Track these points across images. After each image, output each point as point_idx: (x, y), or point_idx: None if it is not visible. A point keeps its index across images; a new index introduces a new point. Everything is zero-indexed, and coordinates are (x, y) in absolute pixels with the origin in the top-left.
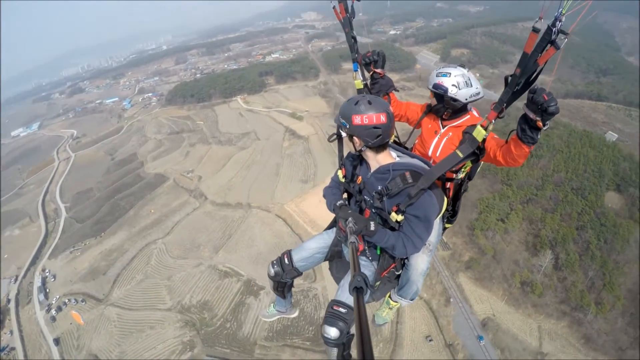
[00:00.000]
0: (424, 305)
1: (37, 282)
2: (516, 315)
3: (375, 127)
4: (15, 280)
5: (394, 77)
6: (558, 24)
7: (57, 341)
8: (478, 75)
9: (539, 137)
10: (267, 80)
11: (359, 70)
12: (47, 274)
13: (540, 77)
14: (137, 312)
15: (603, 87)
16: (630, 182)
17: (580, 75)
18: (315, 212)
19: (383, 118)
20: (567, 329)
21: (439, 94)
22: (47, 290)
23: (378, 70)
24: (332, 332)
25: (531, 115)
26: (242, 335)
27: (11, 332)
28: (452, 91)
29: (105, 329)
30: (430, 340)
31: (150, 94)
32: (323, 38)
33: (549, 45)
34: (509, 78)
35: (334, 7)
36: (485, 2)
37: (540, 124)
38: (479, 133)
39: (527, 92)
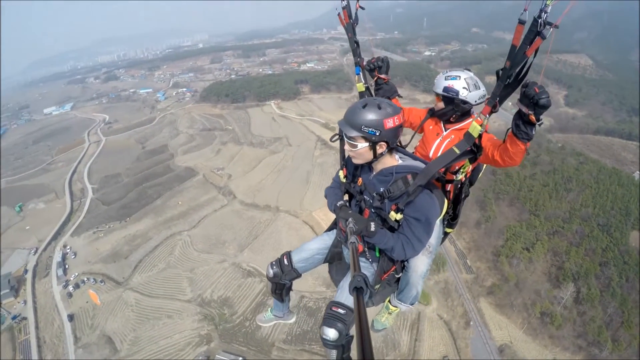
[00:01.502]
0: (444, 326)
1: (57, 257)
2: (533, 345)
3: (400, 126)
4: (35, 252)
5: (426, 98)
6: (544, 15)
7: (71, 317)
8: (510, 104)
9: (534, 132)
10: (301, 89)
11: (361, 73)
12: (68, 250)
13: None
14: (156, 300)
15: (635, 127)
16: None
17: (612, 113)
18: None
19: (403, 115)
20: None
21: (450, 97)
22: (67, 266)
23: (382, 76)
24: (331, 333)
25: (524, 109)
26: (260, 336)
27: (25, 302)
28: (463, 94)
29: (122, 312)
30: None
31: (184, 89)
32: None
33: (536, 36)
34: (500, 72)
35: (338, 14)
36: None
37: (533, 118)
38: (474, 129)
39: (519, 86)
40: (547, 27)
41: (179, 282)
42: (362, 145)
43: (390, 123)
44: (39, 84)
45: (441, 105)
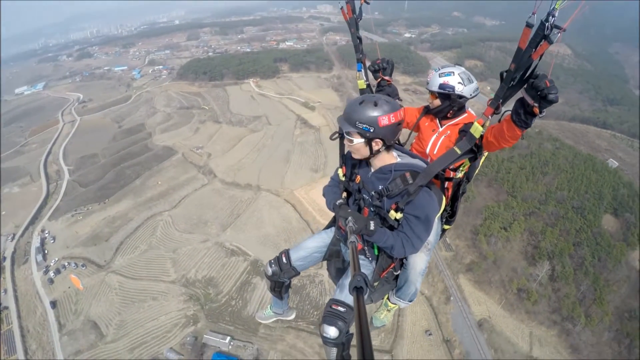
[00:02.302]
0: (425, 302)
1: (36, 242)
2: (510, 319)
3: (398, 124)
4: (12, 238)
5: (406, 79)
6: (551, 19)
7: (53, 304)
8: (489, 88)
9: (532, 123)
10: (280, 67)
11: (362, 70)
12: (47, 235)
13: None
14: (139, 282)
15: (609, 116)
16: (626, 207)
17: (588, 102)
18: (324, 201)
19: (402, 114)
20: (556, 337)
21: (446, 93)
22: (46, 251)
23: (386, 78)
24: (332, 331)
25: (529, 100)
26: (246, 314)
27: (5, 291)
28: (459, 89)
29: (106, 296)
30: (429, 335)
31: (160, 67)
32: (338, 32)
33: (542, 40)
34: (504, 74)
35: (341, 8)
36: (501, 17)
37: (537, 110)
38: (476, 130)
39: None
40: (555, 30)
41: (162, 263)
42: (358, 140)
43: (385, 120)
44: (10, 63)
45: (437, 102)
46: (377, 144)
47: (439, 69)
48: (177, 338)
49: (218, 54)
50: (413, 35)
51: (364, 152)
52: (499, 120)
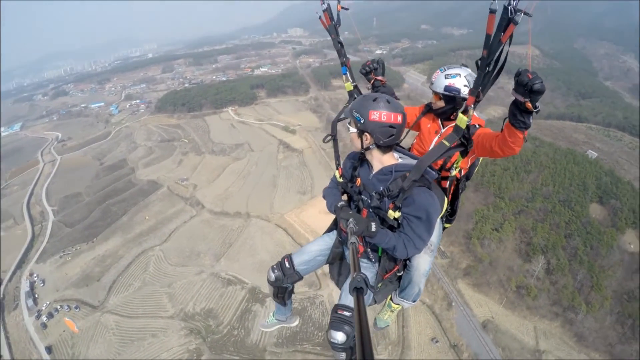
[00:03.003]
0: (427, 310)
1: (25, 286)
2: (513, 317)
3: (390, 126)
4: (0, 283)
5: None
6: (513, 3)
7: (49, 349)
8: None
9: (531, 121)
10: (258, 94)
11: (347, 73)
12: (36, 278)
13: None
14: (137, 320)
15: (583, 109)
16: (611, 194)
17: (561, 98)
18: (315, 222)
19: (399, 119)
20: (560, 328)
21: (451, 96)
22: (36, 295)
23: (379, 78)
24: (339, 336)
25: (520, 98)
26: (250, 342)
27: None
28: (465, 92)
29: (103, 337)
30: (436, 342)
31: (137, 101)
32: (310, 54)
33: (508, 23)
34: (479, 62)
35: (319, 17)
36: (468, 25)
37: (529, 105)
38: (462, 120)
39: (500, 74)
40: (518, 13)
41: (158, 299)
42: (352, 129)
43: (374, 116)
44: None
45: (441, 104)
46: (366, 139)
47: (445, 70)
48: None
49: (194, 84)
50: (384, 52)
51: (357, 145)
52: (501, 130)
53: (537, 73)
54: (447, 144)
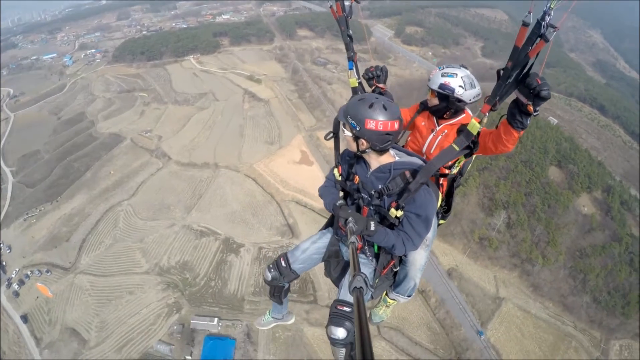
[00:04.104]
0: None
1: None
2: (475, 266)
3: (387, 134)
4: None
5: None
6: (547, 18)
7: (24, 318)
8: (430, 53)
9: (528, 122)
10: (221, 42)
11: (354, 68)
12: (1, 245)
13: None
14: (112, 278)
15: (546, 78)
16: (569, 159)
17: None
18: (284, 172)
19: (396, 125)
20: (518, 278)
21: (445, 94)
22: (4, 263)
23: (380, 85)
24: (340, 332)
25: (523, 99)
26: (228, 293)
27: None
28: (459, 92)
29: (79, 299)
30: None
31: (93, 50)
32: (274, 2)
33: (538, 38)
34: (501, 71)
35: (330, 6)
36: None
37: (531, 108)
38: (474, 126)
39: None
40: (550, 29)
41: (132, 255)
42: (347, 133)
43: (371, 125)
44: None
45: (435, 101)
46: (362, 144)
47: (443, 68)
48: (164, 329)
49: (153, 32)
50: (352, 4)
51: (352, 147)
52: (496, 127)
53: (545, 79)
54: (457, 148)
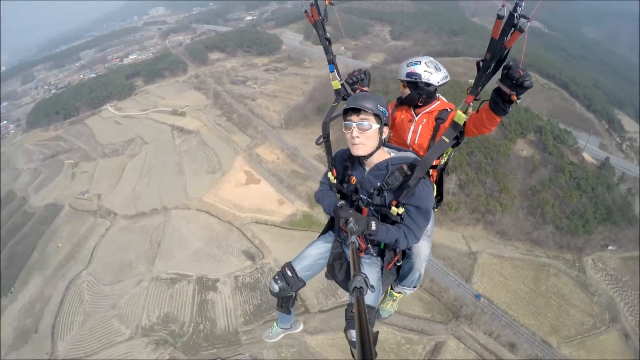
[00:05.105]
0: None
1: None
2: (442, 231)
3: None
4: None
5: (263, 60)
6: (519, 9)
7: None
8: (343, 48)
9: (510, 109)
10: (135, 83)
11: (335, 71)
12: None
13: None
14: (97, 356)
15: (458, 45)
16: None
17: (436, 38)
18: (235, 196)
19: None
20: (483, 230)
21: (413, 81)
22: None
23: (365, 89)
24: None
25: (506, 90)
26: (220, 331)
27: None
28: (425, 76)
29: None
30: None
31: (4, 122)
32: (179, 32)
33: (513, 29)
34: (481, 63)
35: (305, 11)
36: None
37: (514, 97)
38: (460, 117)
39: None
40: (523, 20)
41: (109, 325)
42: (375, 126)
43: (388, 109)
44: None
45: (407, 91)
46: (385, 132)
47: (408, 60)
48: None
49: (62, 88)
50: (255, 17)
51: (374, 143)
52: (477, 110)
53: (526, 70)
54: (447, 140)
